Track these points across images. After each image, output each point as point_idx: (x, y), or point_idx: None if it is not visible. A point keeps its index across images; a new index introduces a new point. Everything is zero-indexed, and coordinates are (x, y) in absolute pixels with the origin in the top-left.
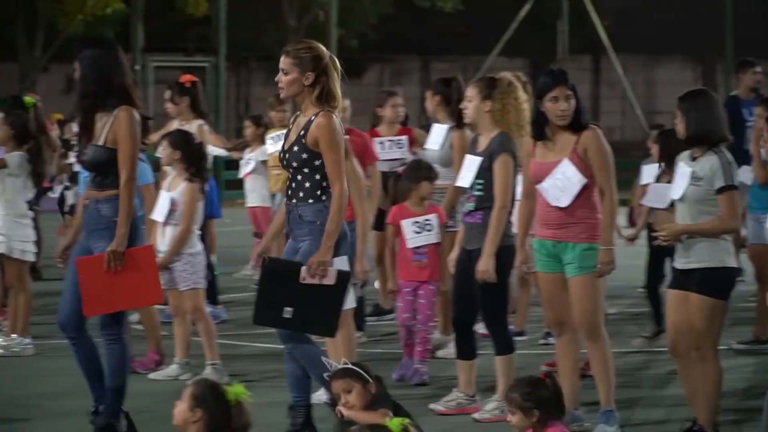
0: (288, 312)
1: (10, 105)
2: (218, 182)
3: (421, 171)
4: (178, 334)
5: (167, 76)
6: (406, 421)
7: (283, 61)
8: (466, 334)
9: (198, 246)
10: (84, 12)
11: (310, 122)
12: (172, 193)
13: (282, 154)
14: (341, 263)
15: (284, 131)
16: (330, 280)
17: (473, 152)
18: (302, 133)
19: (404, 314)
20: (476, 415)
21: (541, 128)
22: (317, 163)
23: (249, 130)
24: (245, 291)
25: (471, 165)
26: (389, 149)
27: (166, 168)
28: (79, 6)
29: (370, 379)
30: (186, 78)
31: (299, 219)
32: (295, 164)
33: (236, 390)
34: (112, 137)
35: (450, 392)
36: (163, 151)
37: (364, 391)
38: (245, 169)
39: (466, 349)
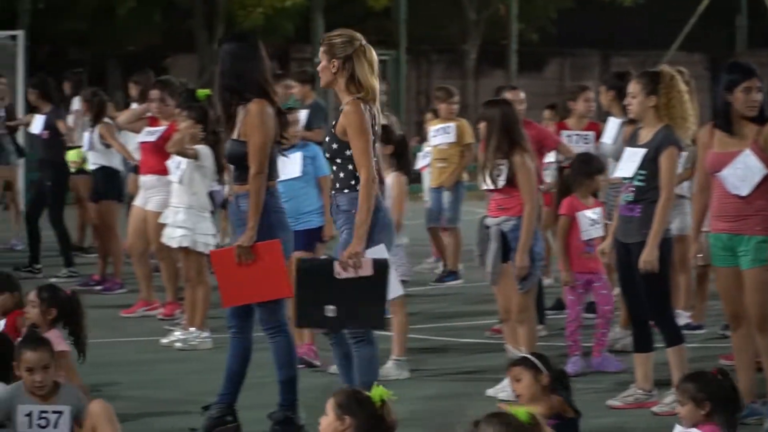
0: (331, 310)
1: (185, 99)
2: None
3: (593, 164)
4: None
5: None
6: (535, 409)
7: (320, 51)
8: (641, 327)
9: (404, 239)
10: (263, 4)
11: (340, 112)
12: None
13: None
14: (378, 252)
15: (450, 124)
16: (366, 270)
17: (633, 144)
18: (334, 123)
19: (577, 307)
20: (655, 409)
21: (727, 119)
22: (348, 152)
23: (426, 124)
24: (425, 284)
25: (633, 156)
26: (576, 143)
27: None
28: None
29: (543, 371)
30: None
31: (337, 209)
32: (328, 155)
33: (380, 391)
34: (244, 130)
35: (628, 387)
36: None
37: (534, 382)
38: (422, 161)
39: (642, 342)
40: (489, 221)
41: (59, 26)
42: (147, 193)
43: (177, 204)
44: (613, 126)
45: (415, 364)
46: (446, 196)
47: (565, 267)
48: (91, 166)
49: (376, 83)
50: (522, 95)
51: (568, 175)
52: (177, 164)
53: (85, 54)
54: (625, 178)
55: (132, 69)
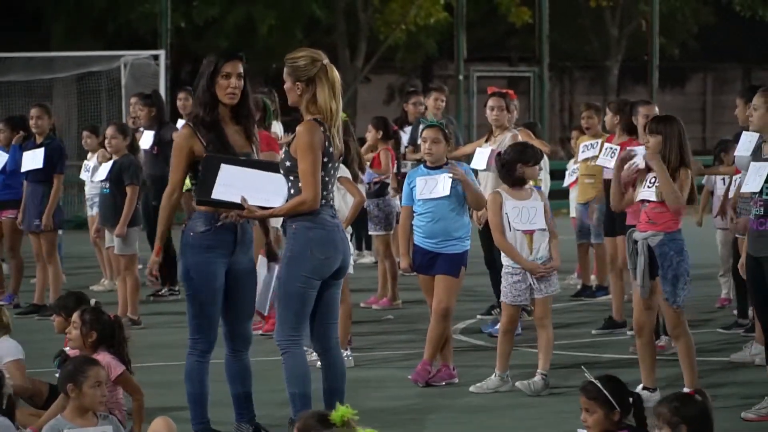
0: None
1: None
2: None
3: None
4: (504, 347)
5: (491, 85)
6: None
7: (284, 71)
8: None
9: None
10: (406, 21)
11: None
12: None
13: None
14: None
15: (598, 140)
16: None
17: (758, 158)
18: (290, 141)
19: None
20: None
21: None
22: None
23: (573, 141)
24: (569, 300)
25: (760, 170)
26: None
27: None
28: (402, 16)
29: (616, 407)
30: (491, 89)
31: (285, 223)
32: (282, 172)
33: (341, 412)
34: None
35: (762, 400)
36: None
37: (605, 418)
38: (570, 178)
39: None
40: (637, 235)
41: (201, 45)
42: None
43: None
44: (749, 139)
45: (558, 379)
46: (594, 212)
47: None
48: None
49: (335, 105)
50: (656, 110)
51: None
52: None
53: None
54: (753, 193)
55: (275, 86)
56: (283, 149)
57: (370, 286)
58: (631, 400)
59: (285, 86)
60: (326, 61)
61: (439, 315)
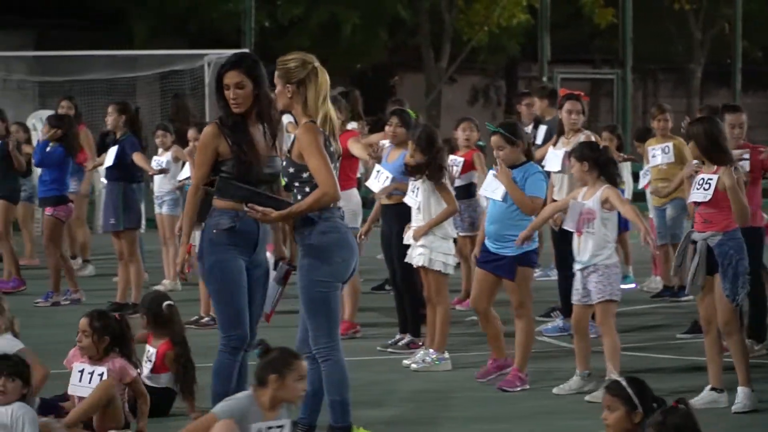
0: None
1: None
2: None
3: None
4: (579, 347)
5: (574, 87)
6: None
7: (275, 74)
8: None
9: (614, 258)
10: (490, 23)
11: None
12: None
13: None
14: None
15: (667, 143)
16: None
17: None
18: (290, 147)
19: None
20: None
21: None
22: (305, 175)
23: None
24: (646, 303)
25: None
26: None
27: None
28: (485, 17)
29: (639, 408)
30: (563, 91)
31: (296, 231)
32: (285, 179)
33: None
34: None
35: None
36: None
37: (626, 418)
38: (644, 180)
39: None
40: (696, 236)
41: (282, 44)
42: None
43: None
44: None
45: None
46: (669, 214)
47: None
48: None
49: (325, 108)
50: (744, 118)
51: None
52: (413, 188)
53: None
54: None
55: (359, 87)
56: (284, 156)
57: (454, 287)
58: (655, 404)
59: (276, 90)
60: (317, 63)
61: (516, 317)
